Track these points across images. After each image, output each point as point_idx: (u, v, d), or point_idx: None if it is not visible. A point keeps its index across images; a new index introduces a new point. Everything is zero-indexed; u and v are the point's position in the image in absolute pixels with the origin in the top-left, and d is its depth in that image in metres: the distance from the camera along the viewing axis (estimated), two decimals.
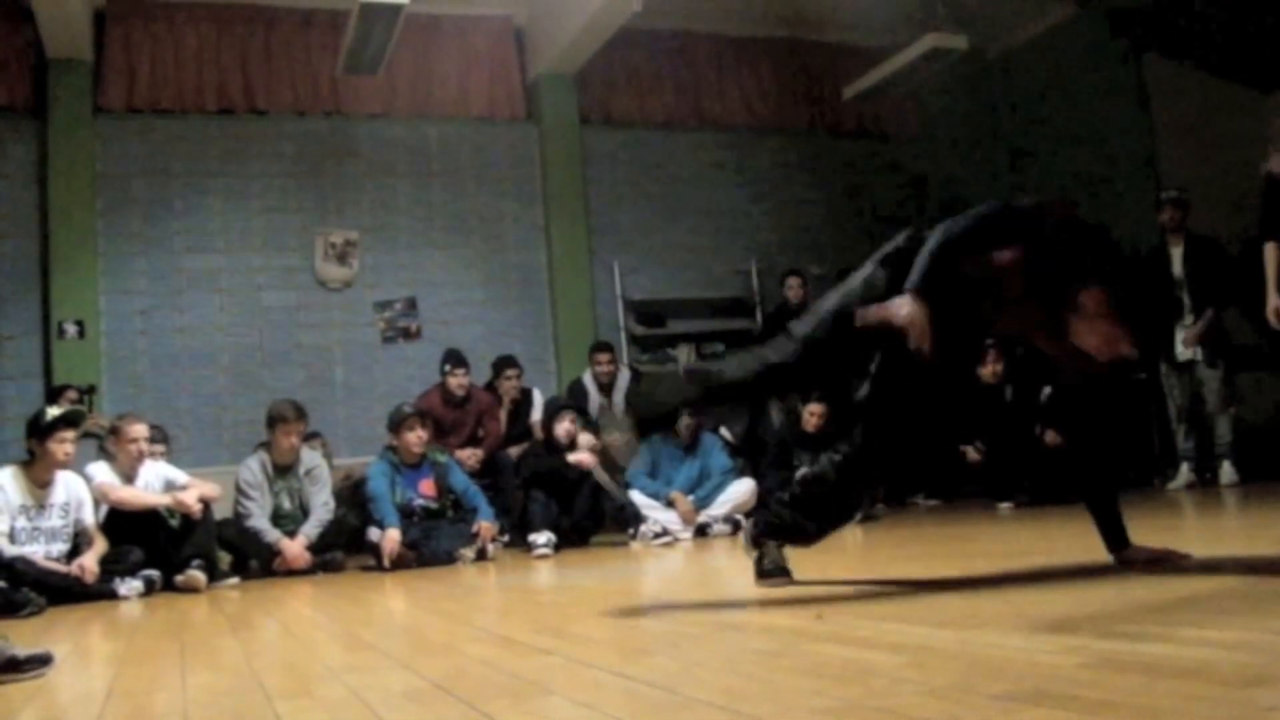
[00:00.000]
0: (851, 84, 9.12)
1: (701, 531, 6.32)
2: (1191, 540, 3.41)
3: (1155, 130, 8.72)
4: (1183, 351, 6.72)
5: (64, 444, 4.98)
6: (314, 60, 8.43)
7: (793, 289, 8.22)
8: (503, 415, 7.42)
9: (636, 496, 6.35)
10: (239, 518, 5.79)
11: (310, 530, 5.80)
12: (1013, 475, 6.55)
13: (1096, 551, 2.95)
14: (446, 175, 8.79)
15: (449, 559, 5.75)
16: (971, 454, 6.82)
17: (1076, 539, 3.78)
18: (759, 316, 9.03)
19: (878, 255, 2.94)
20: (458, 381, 7.12)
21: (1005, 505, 6.43)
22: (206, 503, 5.43)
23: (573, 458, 6.34)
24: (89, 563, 4.89)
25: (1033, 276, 2.74)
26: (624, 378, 7.76)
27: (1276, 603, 2.21)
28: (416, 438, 6.06)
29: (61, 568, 4.83)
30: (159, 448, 6.10)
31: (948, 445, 6.75)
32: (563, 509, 6.26)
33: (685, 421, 6.55)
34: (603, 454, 6.81)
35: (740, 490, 6.48)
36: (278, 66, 8.37)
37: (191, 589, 5.05)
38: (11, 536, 4.80)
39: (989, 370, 6.73)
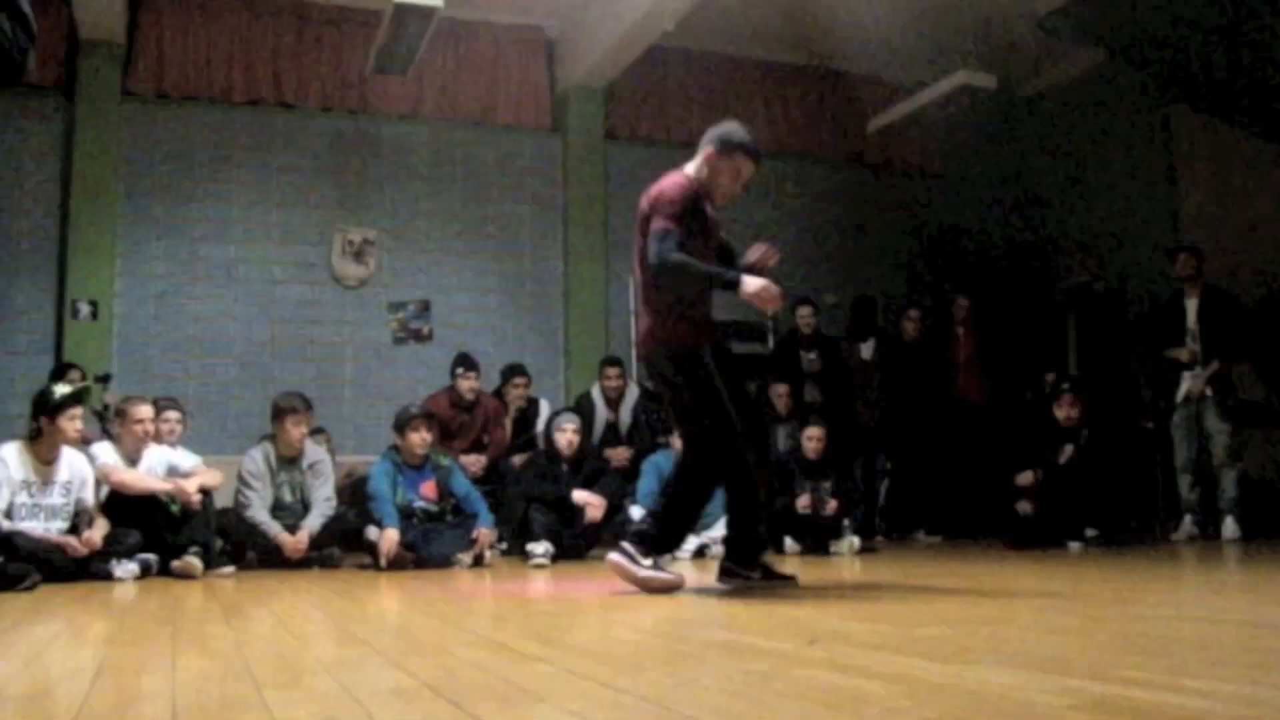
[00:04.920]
0: (877, 116, 9.13)
1: (700, 553, 6.29)
2: (1193, 592, 3.39)
3: (1178, 181, 8.72)
4: (1190, 394, 6.71)
5: (75, 421, 5.00)
6: (344, 57, 8.48)
7: (803, 318, 8.20)
8: (508, 423, 7.41)
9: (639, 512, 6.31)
10: (239, 507, 5.80)
11: (313, 523, 5.80)
12: (1080, 515, 6.46)
13: (1100, 596, 2.93)
14: (468, 180, 8.82)
15: (446, 562, 5.75)
16: (1024, 506, 6.70)
17: (1080, 581, 3.76)
18: (771, 341, 9.01)
19: None
20: (468, 384, 7.12)
21: (1076, 545, 6.36)
22: (207, 491, 5.44)
23: (579, 500, 6.32)
24: (95, 535, 4.91)
25: None
26: (632, 394, 7.73)
27: (1277, 658, 2.19)
28: (420, 439, 6.06)
29: (61, 539, 4.83)
30: (174, 415, 6.14)
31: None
32: (564, 522, 6.25)
33: (677, 446, 6.51)
34: (606, 479, 6.71)
35: None
36: (308, 61, 8.42)
37: (187, 575, 5.05)
38: (10, 513, 4.80)
39: (1065, 414, 6.67)
